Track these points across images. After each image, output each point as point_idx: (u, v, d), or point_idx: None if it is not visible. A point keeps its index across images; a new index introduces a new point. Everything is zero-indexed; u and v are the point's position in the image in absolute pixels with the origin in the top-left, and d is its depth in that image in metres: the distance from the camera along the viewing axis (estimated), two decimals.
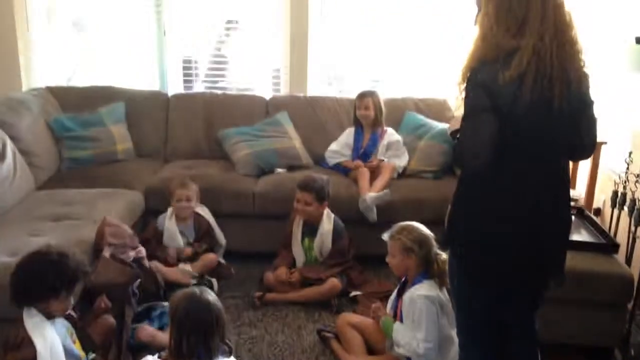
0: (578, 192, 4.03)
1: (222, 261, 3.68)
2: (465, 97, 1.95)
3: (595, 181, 3.97)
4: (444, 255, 2.72)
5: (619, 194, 3.39)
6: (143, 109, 4.52)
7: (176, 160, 4.41)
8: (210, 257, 3.61)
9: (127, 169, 4.16)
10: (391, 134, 4.23)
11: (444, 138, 4.04)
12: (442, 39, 4.76)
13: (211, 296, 2.34)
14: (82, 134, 4.20)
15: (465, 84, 1.95)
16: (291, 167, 4.18)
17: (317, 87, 4.94)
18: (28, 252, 2.45)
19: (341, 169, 4.15)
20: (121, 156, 4.31)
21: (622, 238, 3.27)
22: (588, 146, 2.10)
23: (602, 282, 2.88)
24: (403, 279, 2.88)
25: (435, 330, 2.66)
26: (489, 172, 1.93)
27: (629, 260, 3.23)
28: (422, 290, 2.70)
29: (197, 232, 3.65)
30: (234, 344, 2.93)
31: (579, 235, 3.19)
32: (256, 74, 5.16)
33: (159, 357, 2.34)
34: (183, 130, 4.50)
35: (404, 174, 4.14)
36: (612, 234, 3.31)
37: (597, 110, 2.04)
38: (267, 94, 4.79)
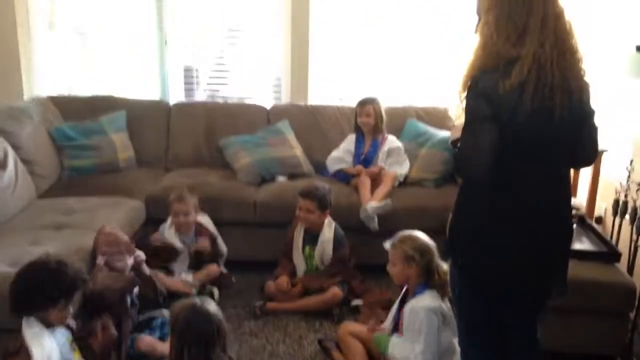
0: (579, 200, 4.03)
1: (224, 270, 3.68)
2: (466, 106, 1.95)
3: (596, 189, 3.96)
4: (445, 266, 2.71)
5: (621, 203, 3.39)
6: (144, 117, 4.53)
7: (177, 168, 4.41)
8: (213, 268, 3.61)
9: (128, 178, 4.16)
10: (392, 141, 4.24)
11: (445, 146, 4.04)
12: (444, 49, 4.76)
13: (212, 306, 2.34)
14: (84, 143, 4.20)
15: (466, 93, 1.96)
16: (292, 175, 4.18)
17: (318, 95, 4.93)
18: (27, 261, 2.45)
19: (342, 177, 4.15)
20: (122, 165, 4.31)
21: (623, 247, 3.27)
22: (589, 155, 2.11)
23: (604, 291, 2.88)
24: (405, 289, 2.87)
25: (434, 344, 2.64)
26: (489, 181, 1.93)
27: (630, 269, 3.23)
28: (424, 302, 2.69)
29: (198, 240, 3.63)
30: (235, 354, 2.92)
31: (581, 244, 3.18)
32: (257, 83, 5.16)
33: None
34: (184, 138, 4.51)
35: (405, 182, 4.14)
36: (613, 242, 3.30)
37: (598, 119, 2.04)
38: (268, 103, 4.80)
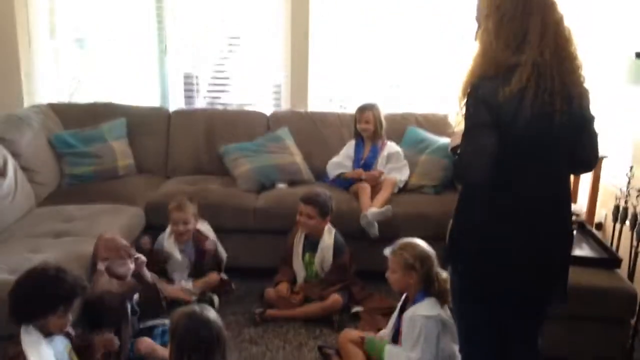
0: (579, 206, 4.03)
1: (224, 277, 3.67)
2: (466, 113, 1.95)
3: (596, 196, 3.96)
4: (445, 274, 2.71)
5: (621, 209, 3.38)
6: (144, 125, 4.53)
7: (177, 175, 4.41)
8: (213, 276, 3.61)
9: (128, 185, 4.16)
10: (391, 146, 4.25)
11: (445, 153, 4.04)
12: (444, 57, 4.76)
13: (212, 313, 2.33)
14: (83, 150, 4.20)
15: (465, 100, 1.96)
16: (292, 182, 4.18)
17: (318, 102, 4.94)
18: (26, 269, 2.44)
19: (342, 183, 4.15)
20: (122, 172, 4.31)
21: (624, 253, 3.26)
22: (590, 161, 2.12)
23: (604, 297, 2.87)
24: (404, 296, 2.86)
25: (432, 352, 2.64)
26: (489, 188, 1.93)
27: (631, 275, 3.22)
28: (423, 310, 2.68)
29: (196, 250, 3.61)
30: None
31: (581, 250, 3.18)
32: (257, 90, 5.16)
33: None
34: (184, 146, 4.51)
35: (405, 189, 4.14)
36: (614, 248, 3.30)
37: (598, 125, 2.05)
38: (268, 110, 4.80)
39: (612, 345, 2.96)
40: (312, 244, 3.62)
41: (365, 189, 3.95)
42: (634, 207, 3.27)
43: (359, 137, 4.30)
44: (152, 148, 4.51)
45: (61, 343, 2.44)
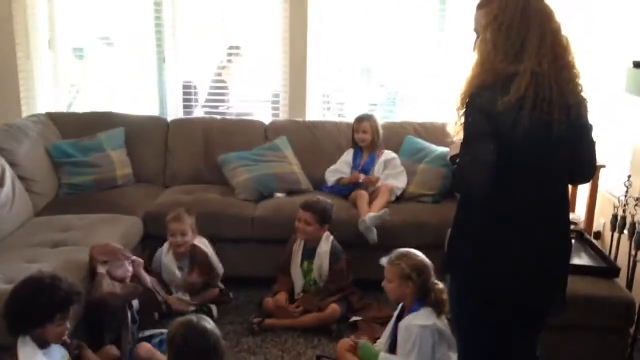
0: (578, 215, 4.03)
1: (221, 286, 3.67)
2: (465, 122, 1.95)
3: (594, 204, 3.96)
4: (441, 285, 2.71)
5: (619, 218, 3.38)
6: (142, 134, 4.52)
7: (176, 185, 4.41)
8: (211, 291, 3.61)
9: (126, 195, 4.15)
10: (388, 153, 4.28)
11: (443, 162, 4.04)
12: (442, 65, 4.77)
13: (209, 323, 2.33)
14: (82, 160, 4.20)
15: (464, 109, 1.96)
16: (290, 191, 4.17)
17: (316, 111, 4.94)
18: (21, 279, 2.44)
19: (341, 190, 4.15)
20: (120, 182, 4.30)
21: (622, 262, 3.26)
22: (588, 170, 2.12)
23: (603, 306, 2.87)
24: (400, 306, 2.86)
25: None
26: (488, 197, 1.93)
27: (629, 284, 3.22)
28: (418, 320, 2.68)
29: (192, 263, 3.58)
30: None
31: (579, 259, 3.17)
32: (255, 99, 5.17)
33: None
34: (182, 155, 4.50)
35: (403, 198, 4.14)
36: (612, 257, 3.29)
37: (596, 134, 2.05)
38: (267, 119, 4.80)
39: (610, 355, 2.95)
40: (310, 251, 3.62)
41: (363, 195, 3.96)
42: (632, 216, 3.27)
43: (357, 147, 4.32)
44: (150, 157, 4.51)
45: (58, 353, 2.43)
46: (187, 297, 3.50)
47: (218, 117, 4.86)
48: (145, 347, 2.90)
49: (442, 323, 2.69)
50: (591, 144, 2.05)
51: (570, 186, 2.51)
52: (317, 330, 3.41)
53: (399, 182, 4.14)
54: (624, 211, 3.36)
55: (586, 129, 2.02)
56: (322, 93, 5.03)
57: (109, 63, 5.07)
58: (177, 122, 4.67)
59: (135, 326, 3.07)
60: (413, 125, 4.57)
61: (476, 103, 1.91)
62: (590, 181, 3.72)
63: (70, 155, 4.20)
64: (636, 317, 2.94)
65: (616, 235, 3.43)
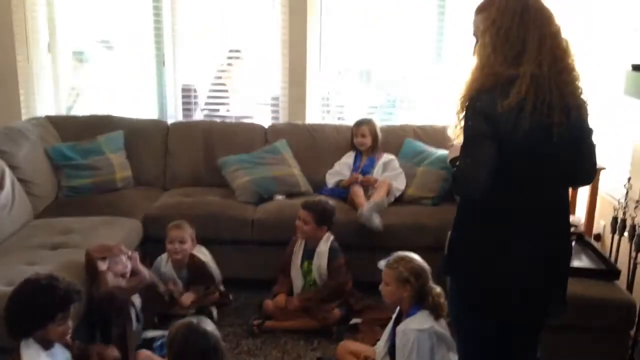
0: (578, 217, 4.03)
1: (221, 289, 3.67)
2: (465, 125, 1.95)
3: (594, 207, 3.96)
4: (439, 289, 2.71)
5: (619, 220, 3.38)
6: (142, 137, 4.53)
7: (175, 188, 4.41)
8: (211, 295, 3.60)
9: (126, 197, 4.16)
10: (387, 156, 4.30)
11: (443, 165, 4.04)
12: (441, 69, 4.78)
13: (209, 325, 2.33)
14: (81, 163, 4.20)
15: (464, 113, 1.96)
16: (290, 194, 4.18)
17: (315, 114, 4.94)
18: (18, 283, 2.44)
19: (340, 192, 4.15)
20: (120, 184, 4.30)
21: (622, 264, 3.26)
22: (588, 173, 2.11)
23: (603, 308, 2.87)
24: (398, 309, 2.85)
25: None
26: (488, 199, 1.93)
27: (630, 286, 3.22)
28: (416, 324, 2.67)
29: (191, 274, 3.58)
30: None
31: (580, 262, 3.17)
32: (255, 102, 5.17)
33: None
34: (182, 158, 4.51)
35: (403, 200, 4.14)
36: (612, 260, 3.29)
37: (596, 137, 2.05)
38: (266, 122, 4.81)
39: (611, 357, 2.96)
40: (310, 252, 3.62)
41: (358, 190, 4.00)
42: (632, 218, 3.27)
43: (357, 150, 4.34)
44: (150, 160, 4.51)
45: (62, 354, 2.43)
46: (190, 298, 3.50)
47: (218, 120, 4.86)
48: (145, 354, 2.90)
49: (441, 325, 2.69)
50: (591, 147, 2.04)
51: (570, 189, 2.51)
52: (317, 333, 3.41)
53: (398, 183, 4.15)
54: (624, 213, 3.36)
55: (586, 131, 2.01)
56: (322, 96, 5.03)
57: (109, 66, 5.07)
58: (177, 125, 4.68)
59: (140, 325, 3.07)
60: (413, 128, 4.58)
61: (476, 106, 1.91)
62: (591, 183, 3.73)
63: (69, 158, 4.20)
64: (637, 319, 2.93)
65: (616, 237, 3.42)
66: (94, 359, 2.61)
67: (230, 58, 5.14)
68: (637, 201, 3.25)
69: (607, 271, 3.08)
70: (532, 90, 1.85)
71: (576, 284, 2.76)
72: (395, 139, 4.46)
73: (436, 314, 2.69)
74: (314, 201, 3.66)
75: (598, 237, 3.99)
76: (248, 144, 4.49)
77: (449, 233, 2.16)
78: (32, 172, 3.93)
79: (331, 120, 5.07)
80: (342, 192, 4.15)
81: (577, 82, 1.96)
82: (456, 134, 2.06)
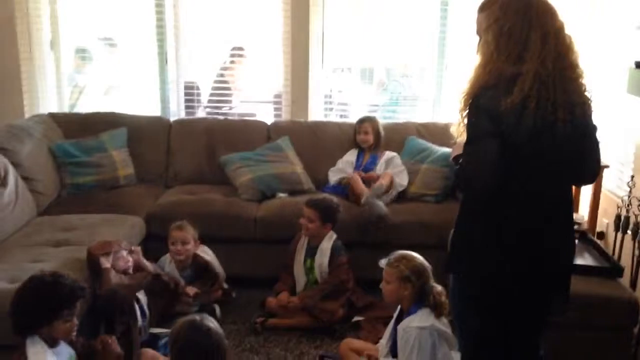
0: (581, 215, 4.02)
1: (225, 286, 3.67)
2: (468, 123, 1.95)
3: (598, 205, 3.96)
4: (440, 287, 2.70)
5: (622, 218, 3.38)
6: (145, 134, 4.53)
7: (178, 185, 4.41)
8: (216, 292, 3.60)
9: (128, 195, 4.16)
10: (389, 153, 4.30)
11: (445, 162, 4.04)
12: (445, 64, 4.78)
13: (212, 323, 2.33)
14: (84, 160, 4.20)
15: (467, 110, 1.96)
16: (293, 192, 4.17)
17: (318, 112, 4.94)
18: (23, 281, 2.44)
19: (343, 190, 4.14)
20: (123, 182, 4.31)
21: (626, 262, 3.25)
22: (592, 170, 2.10)
23: (607, 306, 2.87)
24: (399, 308, 2.85)
25: None
26: (492, 197, 1.93)
27: (633, 284, 3.21)
28: (416, 322, 2.67)
29: (195, 273, 3.58)
30: None
31: (583, 260, 3.17)
32: (258, 99, 5.18)
33: None
34: (185, 155, 4.51)
35: (405, 198, 4.14)
36: (616, 257, 3.29)
37: (600, 135, 2.04)
38: (269, 119, 4.80)
39: (614, 354, 2.96)
40: (313, 249, 3.62)
41: (357, 180, 4.03)
42: (636, 216, 3.26)
43: (360, 148, 4.34)
44: (152, 158, 4.51)
45: (66, 352, 2.43)
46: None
47: (220, 117, 4.86)
48: (149, 353, 2.91)
49: (442, 323, 2.68)
50: (595, 144, 2.04)
51: (573, 187, 2.50)
52: (320, 330, 3.41)
53: (401, 180, 4.15)
54: (627, 211, 3.35)
55: (590, 128, 2.01)
56: (325, 94, 5.02)
57: (112, 63, 5.07)
58: (180, 123, 4.68)
59: (146, 320, 3.07)
60: (415, 126, 4.57)
61: (479, 103, 1.91)
62: (595, 181, 3.73)
63: (72, 155, 4.20)
64: None
65: (620, 235, 3.42)
66: (98, 349, 2.61)
67: (233, 55, 5.14)
68: None
69: (610, 269, 3.08)
70: (535, 88, 1.85)
71: (580, 282, 2.75)
72: (398, 137, 4.46)
73: (437, 312, 2.69)
74: (319, 199, 3.67)
75: (601, 235, 3.98)
76: (250, 141, 4.48)
77: (452, 231, 2.15)
78: (36, 169, 3.94)
79: (334, 118, 5.07)
80: (344, 189, 4.14)
81: (580, 79, 1.95)
82: (459, 132, 2.05)
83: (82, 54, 5.20)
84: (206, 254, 3.64)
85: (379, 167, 4.21)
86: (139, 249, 3.24)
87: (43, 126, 4.28)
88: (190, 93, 5.12)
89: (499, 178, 1.87)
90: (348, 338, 3.19)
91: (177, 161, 4.52)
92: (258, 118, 4.94)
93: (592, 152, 2.03)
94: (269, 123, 4.67)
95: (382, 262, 2.82)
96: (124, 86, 5.15)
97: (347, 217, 3.81)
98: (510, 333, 2.13)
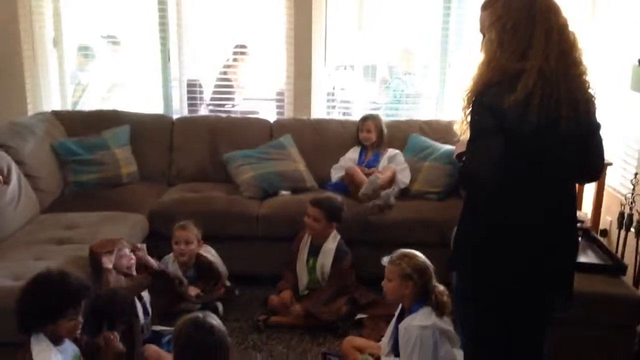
0: (584, 213, 4.02)
1: (228, 284, 3.67)
2: (471, 120, 1.95)
3: (601, 202, 3.95)
4: (442, 287, 2.70)
5: (626, 215, 3.38)
6: (148, 132, 4.53)
7: (181, 183, 4.40)
8: (219, 288, 3.60)
9: (131, 193, 4.16)
10: (392, 150, 4.30)
11: (448, 159, 4.04)
12: (449, 62, 4.77)
13: (215, 321, 2.33)
14: (87, 158, 4.21)
15: (470, 108, 1.96)
16: (295, 189, 4.17)
17: (320, 109, 4.94)
18: (29, 278, 2.44)
19: (344, 188, 4.13)
20: (126, 180, 4.31)
21: (629, 259, 3.25)
22: (596, 168, 2.09)
23: (610, 304, 2.86)
24: (400, 307, 2.85)
25: None
26: (495, 194, 1.93)
27: (636, 282, 3.21)
28: (418, 320, 2.67)
29: (198, 273, 3.58)
30: None
31: (586, 257, 3.17)
32: (260, 97, 5.18)
33: None
34: (187, 153, 4.51)
35: (408, 195, 4.13)
36: (619, 255, 3.29)
37: (603, 132, 2.03)
38: (271, 117, 4.80)
39: (617, 352, 2.95)
40: (316, 248, 3.62)
41: (356, 169, 4.08)
42: (639, 214, 3.26)
43: (362, 145, 4.34)
44: (155, 155, 4.51)
45: (72, 350, 2.44)
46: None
47: (223, 115, 4.86)
48: (152, 349, 2.91)
49: (444, 321, 2.68)
50: (599, 141, 2.02)
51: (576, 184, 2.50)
52: (322, 328, 3.40)
53: (404, 177, 4.15)
54: (630, 209, 3.35)
55: (594, 126, 1.99)
56: (327, 91, 5.02)
57: (114, 61, 5.07)
58: (182, 121, 4.68)
59: (148, 318, 3.07)
60: (418, 124, 4.57)
61: (482, 101, 1.90)
62: (598, 179, 3.73)
63: (75, 153, 4.20)
64: None
65: (623, 233, 3.42)
66: (101, 346, 2.61)
67: (235, 53, 5.14)
68: None
69: (613, 267, 3.07)
70: (539, 85, 1.84)
71: (583, 280, 2.75)
72: (400, 134, 4.45)
73: (439, 312, 2.68)
74: (324, 198, 3.66)
75: (604, 233, 3.98)
76: (253, 139, 4.48)
77: (455, 228, 2.15)
78: (38, 167, 3.94)
79: (336, 115, 5.07)
80: (347, 186, 4.14)
81: (584, 76, 1.95)
82: (462, 130, 2.05)
83: (85, 51, 5.21)
84: (209, 253, 3.64)
85: (382, 165, 4.20)
86: (144, 246, 3.24)
87: (46, 124, 4.29)
88: (193, 91, 5.12)
89: (502, 175, 1.87)
90: (350, 336, 3.19)
91: (179, 159, 4.52)
92: (261, 116, 4.93)
93: (596, 149, 2.02)
94: (271, 121, 4.67)
95: (385, 260, 2.82)
96: (127, 84, 5.15)
97: (350, 214, 3.81)
98: (512, 331, 2.13)
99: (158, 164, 4.51)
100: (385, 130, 4.32)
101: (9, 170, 3.58)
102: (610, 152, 3.68)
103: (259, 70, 5.06)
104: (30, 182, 3.79)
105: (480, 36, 2.04)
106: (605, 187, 3.93)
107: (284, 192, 4.13)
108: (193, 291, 3.44)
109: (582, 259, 3.10)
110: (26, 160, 3.83)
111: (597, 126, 2.00)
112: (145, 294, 3.13)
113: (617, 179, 3.90)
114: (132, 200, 4.01)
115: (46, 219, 3.70)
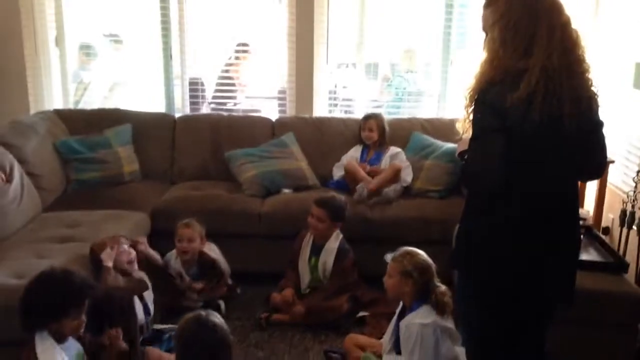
0: (586, 210, 4.01)
1: (229, 282, 3.67)
2: (474, 119, 1.95)
3: (603, 200, 3.95)
4: (443, 287, 2.70)
5: (628, 213, 3.37)
6: (150, 130, 4.53)
7: (183, 181, 4.41)
8: (219, 288, 3.60)
9: (133, 191, 4.17)
10: (394, 149, 4.30)
11: (450, 157, 4.04)
12: (450, 60, 4.77)
13: (217, 319, 2.33)
14: (89, 156, 4.21)
15: (473, 106, 1.96)
16: (297, 187, 4.17)
17: (322, 108, 4.94)
18: (33, 276, 2.44)
19: (346, 186, 4.13)
20: (128, 178, 4.31)
21: (631, 257, 3.25)
22: (598, 165, 2.10)
23: (612, 302, 2.86)
24: (401, 304, 2.85)
25: None
26: (497, 192, 1.93)
27: (638, 279, 3.21)
28: (418, 318, 2.66)
29: (200, 271, 3.57)
30: None
31: (588, 255, 3.16)
32: (262, 95, 5.18)
33: None
34: (189, 151, 4.51)
35: (409, 193, 4.13)
36: (621, 253, 3.28)
37: (605, 130, 2.03)
38: (273, 115, 4.80)
39: (619, 350, 2.95)
40: (318, 247, 3.62)
41: (356, 165, 4.11)
42: None
43: (364, 144, 4.34)
44: (157, 154, 4.51)
45: (75, 348, 2.44)
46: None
47: (225, 113, 4.87)
48: (154, 352, 2.91)
49: (444, 319, 2.68)
50: (602, 139, 2.03)
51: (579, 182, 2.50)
52: (324, 326, 3.40)
53: (406, 175, 4.15)
54: (632, 206, 3.35)
55: (597, 124, 2.00)
56: (329, 89, 5.02)
57: (116, 60, 5.08)
58: (184, 119, 4.68)
59: (149, 317, 3.08)
60: (420, 122, 4.57)
61: (485, 99, 1.91)
62: (601, 177, 3.72)
63: (77, 151, 4.21)
64: None
65: (625, 231, 3.41)
66: (105, 344, 2.62)
67: (237, 52, 5.14)
68: None
69: (615, 264, 3.07)
70: (542, 82, 1.85)
71: (585, 278, 2.75)
72: (402, 133, 4.45)
73: (439, 311, 2.67)
74: (327, 198, 3.65)
75: (606, 231, 3.97)
76: (255, 137, 4.48)
77: (457, 226, 2.15)
78: (41, 165, 3.94)
79: (338, 113, 5.07)
80: (348, 184, 4.14)
81: (587, 74, 1.95)
82: (464, 128, 2.05)
83: (87, 50, 5.21)
84: (212, 251, 3.63)
85: (384, 163, 4.21)
86: (144, 239, 3.23)
87: (48, 122, 4.29)
88: (195, 89, 5.12)
89: (504, 174, 1.87)
90: (352, 333, 3.19)
91: (181, 157, 4.52)
92: (263, 114, 4.93)
93: (598, 147, 2.02)
94: (273, 119, 4.67)
95: (388, 257, 2.82)
96: (129, 82, 5.15)
97: (352, 212, 3.81)
98: (514, 330, 2.13)
99: (160, 163, 4.52)
100: (387, 129, 4.32)
101: (12, 169, 3.58)
102: (612, 149, 3.66)
103: (261, 68, 5.06)
104: (33, 180, 3.80)
105: (483, 34, 2.04)
106: (608, 184, 3.93)
107: (286, 191, 4.14)
108: (197, 285, 3.44)
109: (584, 256, 3.09)
110: (28, 158, 3.84)
111: (600, 124, 2.00)
112: (148, 293, 3.13)
113: (619, 177, 3.90)
114: (135, 199, 4.02)
115: (48, 217, 3.70)
